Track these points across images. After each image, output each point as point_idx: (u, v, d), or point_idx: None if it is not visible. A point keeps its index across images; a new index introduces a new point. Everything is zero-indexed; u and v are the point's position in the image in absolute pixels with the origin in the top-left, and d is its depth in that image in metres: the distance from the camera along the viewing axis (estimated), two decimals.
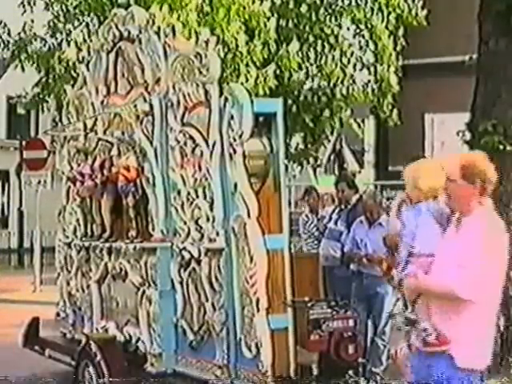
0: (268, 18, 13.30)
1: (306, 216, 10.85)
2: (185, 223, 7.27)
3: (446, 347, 4.57)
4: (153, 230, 7.60)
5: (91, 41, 11.64)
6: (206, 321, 7.08)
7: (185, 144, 7.26)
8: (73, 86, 9.59)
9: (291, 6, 14.06)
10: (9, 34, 15.29)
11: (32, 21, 15.15)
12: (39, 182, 18.24)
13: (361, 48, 14.68)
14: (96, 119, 8.65)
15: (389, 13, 14.49)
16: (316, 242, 10.28)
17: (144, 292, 7.69)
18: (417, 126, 18.13)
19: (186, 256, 7.22)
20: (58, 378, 8.89)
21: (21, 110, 25.89)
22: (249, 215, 6.58)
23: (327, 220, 9.92)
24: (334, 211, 9.81)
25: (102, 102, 8.63)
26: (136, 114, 7.82)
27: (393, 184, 13.64)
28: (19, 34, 15.19)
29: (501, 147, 8.39)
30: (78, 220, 8.95)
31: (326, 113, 14.18)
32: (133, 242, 7.79)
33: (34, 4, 14.92)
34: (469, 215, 4.66)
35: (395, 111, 14.76)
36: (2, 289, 17.97)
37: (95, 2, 13.83)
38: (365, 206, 8.74)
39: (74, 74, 12.82)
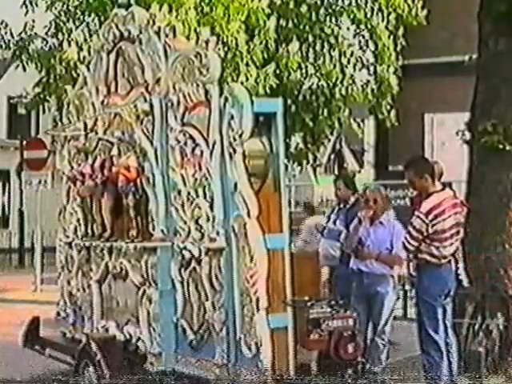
0: (268, 16, 13.31)
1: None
2: (185, 223, 7.27)
3: None
4: (153, 229, 7.61)
5: (92, 41, 11.67)
6: (206, 320, 7.09)
7: (185, 144, 7.27)
8: (73, 85, 9.59)
9: (291, 5, 14.07)
10: (10, 34, 15.31)
11: (33, 21, 15.16)
12: (40, 182, 18.23)
13: (361, 48, 14.70)
14: (96, 119, 8.65)
15: (389, 13, 14.50)
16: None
17: (144, 291, 7.70)
18: (417, 126, 18.12)
19: (187, 255, 7.22)
20: (58, 377, 8.90)
21: (21, 110, 25.93)
22: (249, 215, 6.59)
23: (326, 220, 9.92)
24: (332, 211, 9.83)
25: (103, 102, 8.63)
26: (136, 114, 7.82)
27: (393, 184, 13.61)
28: (20, 34, 15.21)
29: (500, 147, 8.40)
30: (78, 220, 8.94)
31: (325, 113, 14.19)
32: (133, 241, 7.79)
33: (36, 4, 14.93)
34: None
35: (393, 112, 14.77)
36: (3, 288, 17.96)
37: (96, 1, 13.85)
38: (366, 203, 8.69)
39: (75, 74, 12.83)
